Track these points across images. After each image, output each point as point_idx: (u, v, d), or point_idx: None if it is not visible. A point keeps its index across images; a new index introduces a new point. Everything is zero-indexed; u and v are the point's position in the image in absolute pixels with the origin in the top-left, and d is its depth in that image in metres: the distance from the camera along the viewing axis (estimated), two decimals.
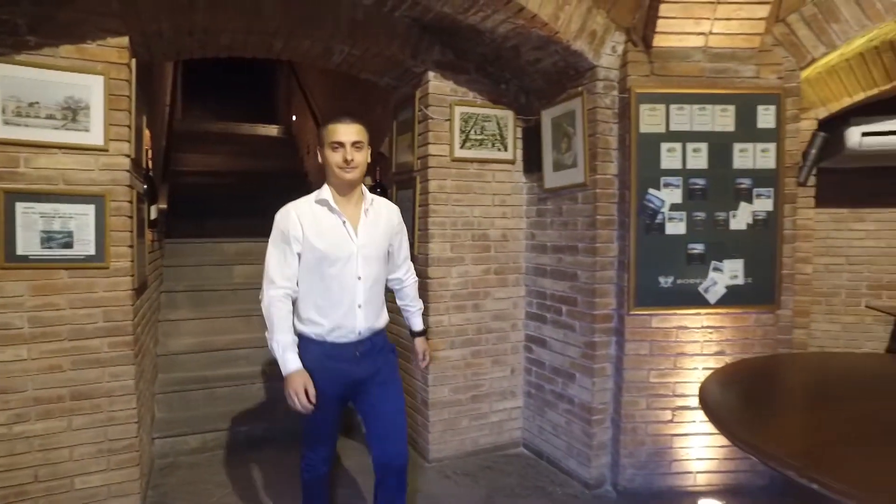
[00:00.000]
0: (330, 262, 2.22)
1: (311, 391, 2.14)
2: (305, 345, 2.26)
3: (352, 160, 2.20)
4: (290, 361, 2.16)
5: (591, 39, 3.12)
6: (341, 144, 2.21)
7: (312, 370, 2.19)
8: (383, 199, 2.47)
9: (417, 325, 2.69)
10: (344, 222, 2.27)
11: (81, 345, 2.81)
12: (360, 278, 2.27)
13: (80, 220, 2.76)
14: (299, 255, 2.24)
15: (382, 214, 2.40)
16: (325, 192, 2.29)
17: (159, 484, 3.39)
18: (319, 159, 2.31)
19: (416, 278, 2.71)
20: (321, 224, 2.25)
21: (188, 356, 4.39)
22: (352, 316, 2.27)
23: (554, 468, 3.58)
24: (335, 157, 2.22)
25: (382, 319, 2.40)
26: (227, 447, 3.89)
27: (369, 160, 2.30)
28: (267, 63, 9.30)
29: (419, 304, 2.71)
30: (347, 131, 2.21)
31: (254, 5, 3.14)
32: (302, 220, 2.24)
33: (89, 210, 2.78)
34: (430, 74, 3.57)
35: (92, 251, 2.80)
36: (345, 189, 2.28)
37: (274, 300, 2.21)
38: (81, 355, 2.81)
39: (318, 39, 3.37)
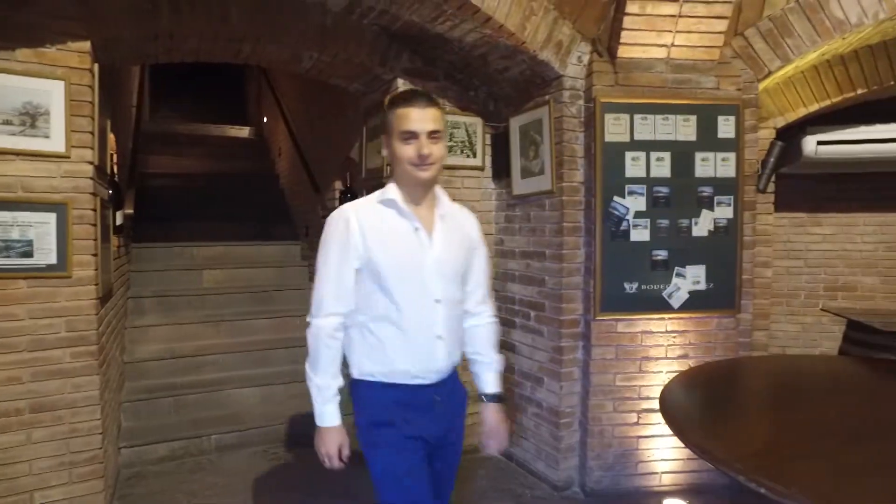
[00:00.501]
0: (400, 279, 1.72)
1: (346, 452, 1.77)
2: (366, 392, 1.78)
3: (428, 155, 1.68)
4: (328, 415, 1.74)
5: (558, 49, 3.12)
6: (414, 135, 1.68)
7: (379, 426, 1.75)
8: (457, 205, 1.94)
9: (491, 385, 1.98)
10: (417, 229, 1.75)
11: (42, 356, 2.71)
12: (438, 301, 1.76)
13: (41, 229, 2.67)
14: (358, 270, 1.74)
15: (459, 223, 1.89)
16: (392, 191, 1.76)
17: (126, 495, 3.29)
18: (384, 151, 1.81)
19: (495, 318, 2.02)
20: (388, 231, 1.74)
21: (156, 363, 4.27)
22: (430, 351, 1.76)
23: (523, 471, 3.58)
24: (406, 151, 1.69)
25: (459, 355, 1.90)
26: (197, 455, 3.79)
27: (443, 153, 1.78)
28: (237, 63, 9.16)
29: (496, 356, 1.99)
30: (423, 118, 1.68)
31: (220, 11, 3.07)
32: (364, 225, 1.72)
33: (50, 218, 2.68)
34: (399, 81, 3.54)
35: (53, 260, 2.70)
36: (417, 190, 1.75)
37: (323, 332, 1.73)
38: (42, 366, 2.71)
39: (286, 45, 3.31)
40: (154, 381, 4.20)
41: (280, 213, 6.41)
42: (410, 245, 1.75)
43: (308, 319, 1.77)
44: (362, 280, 1.74)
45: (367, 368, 1.77)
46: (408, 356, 1.74)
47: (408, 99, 1.73)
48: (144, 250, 5.26)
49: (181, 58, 3.40)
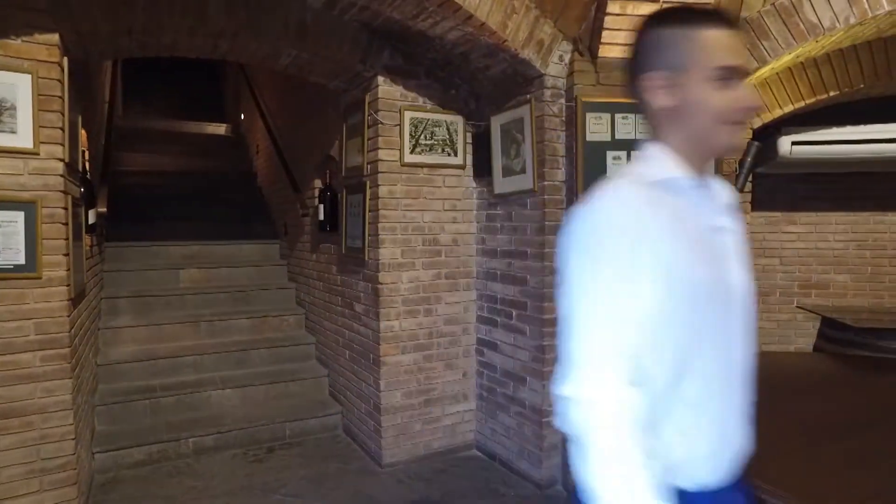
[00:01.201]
0: (712, 307, 1.07)
1: None
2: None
3: (757, 106, 1.11)
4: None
5: (539, 48, 3.07)
6: (738, 73, 1.05)
7: None
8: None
9: None
10: (720, 229, 1.13)
11: (10, 360, 2.57)
12: (745, 345, 1.15)
13: (8, 228, 2.53)
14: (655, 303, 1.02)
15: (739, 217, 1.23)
16: (669, 163, 1.09)
17: (100, 501, 3.16)
18: (662, 101, 1.08)
19: None
20: (689, 229, 1.06)
21: (131, 365, 4.12)
22: (736, 425, 1.14)
23: (506, 470, 3.53)
24: (723, 99, 1.03)
25: None
26: (174, 459, 3.66)
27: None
28: (215, 59, 8.96)
29: None
30: (744, 49, 1.09)
31: (198, 6, 2.95)
32: (662, 222, 1.03)
33: (18, 217, 2.54)
34: (380, 79, 3.45)
35: (21, 260, 2.57)
36: (706, 164, 1.13)
37: (611, 409, 0.98)
38: (10, 371, 2.57)
39: (265, 42, 3.20)
40: (130, 383, 4.05)
41: (258, 211, 6.26)
42: (719, 250, 1.11)
43: (562, 390, 1.01)
44: (658, 312, 1.02)
45: (686, 469, 1.07)
46: (716, 434, 1.10)
47: (718, 18, 1.05)
48: (119, 250, 5.07)
49: (157, 53, 3.27)
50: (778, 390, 2.39)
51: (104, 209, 4.03)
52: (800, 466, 1.62)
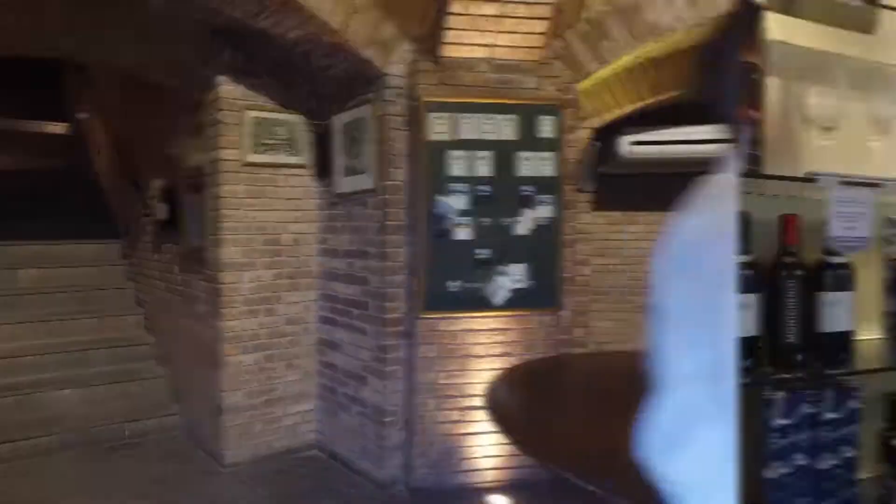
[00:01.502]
0: None
1: None
2: None
3: None
4: None
5: (381, 48, 3.03)
6: None
7: None
8: None
9: None
10: None
11: None
12: None
13: None
14: None
15: None
16: None
17: None
18: None
19: None
20: None
21: None
22: None
23: (348, 470, 3.49)
24: None
25: None
26: (10, 460, 3.47)
27: None
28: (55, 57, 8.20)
29: None
30: None
31: (35, 5, 2.79)
32: None
33: None
34: (221, 78, 3.36)
35: None
36: None
37: None
38: None
39: (106, 42, 3.11)
40: None
41: (100, 210, 5.99)
42: None
43: None
44: None
45: None
46: None
47: None
48: None
49: None
50: (621, 389, 2.42)
51: None
52: None
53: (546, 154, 3.21)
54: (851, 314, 1.09)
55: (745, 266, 0.93)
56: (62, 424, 3.75)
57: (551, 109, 3.20)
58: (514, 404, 2.29)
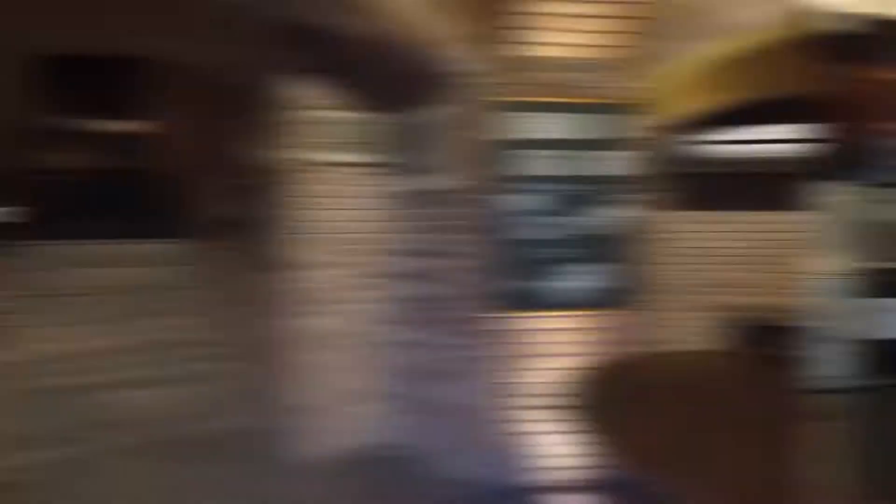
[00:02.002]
0: None
1: None
2: None
3: None
4: None
5: (457, 47, 3.01)
6: None
7: None
8: None
9: None
10: None
11: None
12: None
13: None
14: None
15: None
16: None
17: None
18: None
19: None
20: None
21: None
22: None
23: (423, 468, 3.52)
24: None
25: None
26: (86, 461, 3.51)
27: None
28: None
29: None
30: None
31: (103, 2, 2.84)
32: None
33: None
34: (293, 78, 3.35)
35: None
36: None
37: None
38: None
39: (175, 40, 3.23)
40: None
41: (169, 210, 5.81)
42: None
43: None
44: None
45: None
46: None
47: None
48: None
49: None
50: (695, 389, 2.37)
51: None
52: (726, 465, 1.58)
53: (624, 153, 3.18)
54: None
55: (888, 272, 0.90)
56: (135, 425, 3.70)
57: (630, 108, 3.16)
58: (603, 402, 2.24)
